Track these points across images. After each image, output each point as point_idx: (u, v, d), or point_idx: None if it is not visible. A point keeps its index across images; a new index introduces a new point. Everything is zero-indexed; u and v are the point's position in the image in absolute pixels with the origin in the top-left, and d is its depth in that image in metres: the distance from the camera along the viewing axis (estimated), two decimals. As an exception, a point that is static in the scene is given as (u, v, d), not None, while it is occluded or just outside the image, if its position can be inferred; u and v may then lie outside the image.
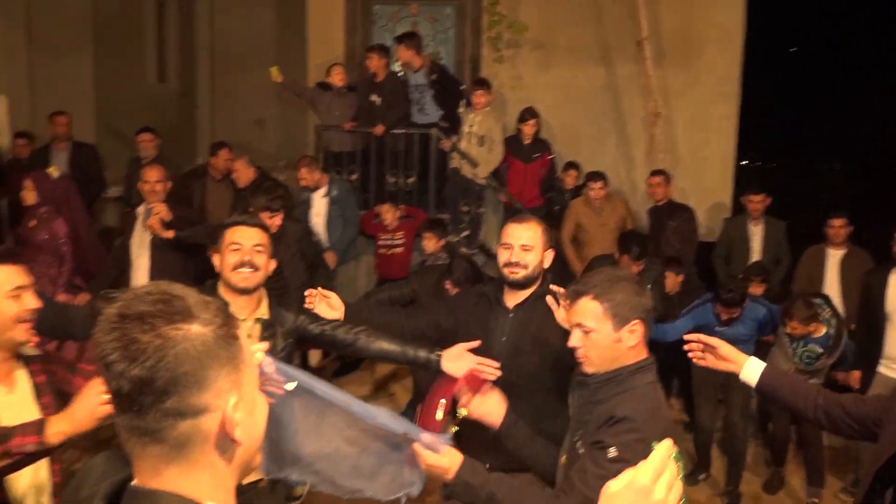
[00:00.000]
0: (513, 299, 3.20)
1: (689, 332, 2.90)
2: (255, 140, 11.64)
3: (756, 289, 6.31)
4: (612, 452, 2.20)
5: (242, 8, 11.55)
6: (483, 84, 7.73)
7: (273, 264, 3.09)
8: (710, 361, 2.77)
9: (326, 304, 3.15)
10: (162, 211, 5.38)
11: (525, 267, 3.12)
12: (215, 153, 7.60)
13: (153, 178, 5.59)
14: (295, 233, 5.78)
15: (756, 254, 7.12)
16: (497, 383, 2.92)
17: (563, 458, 2.53)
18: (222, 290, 3.02)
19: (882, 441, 2.52)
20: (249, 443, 1.21)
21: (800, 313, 5.07)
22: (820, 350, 5.19)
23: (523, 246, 3.13)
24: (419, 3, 8.96)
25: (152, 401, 1.11)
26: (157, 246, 5.50)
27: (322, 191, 7.21)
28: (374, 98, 7.83)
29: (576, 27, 8.38)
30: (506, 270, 3.14)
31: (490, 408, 2.68)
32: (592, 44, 8.35)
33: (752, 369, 2.74)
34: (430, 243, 6.60)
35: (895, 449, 2.44)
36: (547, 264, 3.21)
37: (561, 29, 8.42)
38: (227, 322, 1.18)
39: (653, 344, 2.55)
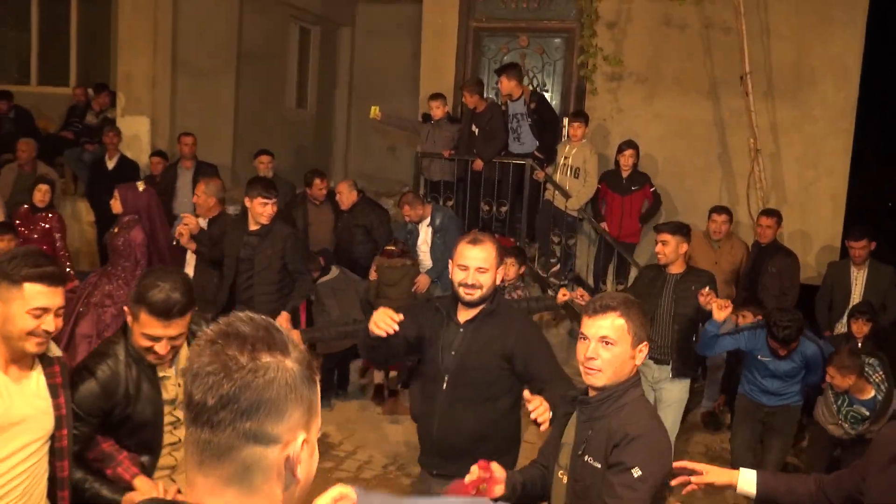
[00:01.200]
0: (464, 315, 3.33)
1: (730, 349, 2.89)
2: (388, 166, 12.15)
3: (861, 328, 6.00)
4: (637, 472, 2.39)
5: (382, 39, 12.07)
6: (580, 116, 7.78)
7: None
8: (701, 480, 2.72)
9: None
10: (191, 223, 5.87)
11: (480, 288, 3.25)
12: (310, 183, 7.94)
13: (200, 191, 6.20)
14: (282, 232, 5.82)
15: (857, 299, 6.74)
16: (447, 396, 3.23)
17: (562, 475, 2.65)
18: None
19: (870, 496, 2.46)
20: (304, 484, 1.25)
21: (839, 361, 4.79)
22: (866, 413, 4.89)
23: (479, 268, 3.24)
24: (529, 35, 9.10)
25: (232, 418, 1.15)
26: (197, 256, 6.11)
27: (426, 221, 7.47)
28: (474, 128, 8.04)
29: (683, 60, 8.27)
30: (461, 290, 3.26)
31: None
32: (700, 76, 8.20)
33: (747, 481, 2.73)
34: (511, 270, 6.69)
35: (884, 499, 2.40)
36: (499, 281, 3.35)
37: (667, 61, 8.32)
38: (311, 366, 1.24)
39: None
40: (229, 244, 5.77)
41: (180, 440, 2.92)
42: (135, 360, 2.76)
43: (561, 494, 2.66)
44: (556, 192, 7.68)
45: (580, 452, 2.55)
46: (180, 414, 2.83)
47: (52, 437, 2.56)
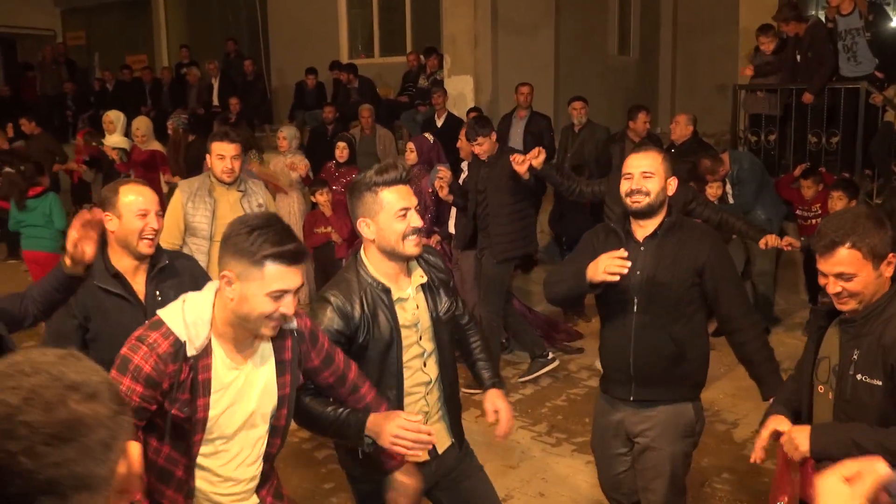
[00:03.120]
0: (642, 231, 3.14)
1: None
2: (717, 105, 11.59)
3: None
4: None
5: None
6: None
7: None
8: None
9: None
10: (445, 175, 6.26)
11: (647, 194, 3.06)
12: (634, 117, 7.83)
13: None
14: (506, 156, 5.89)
15: None
16: (639, 319, 3.10)
17: (821, 389, 2.60)
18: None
19: None
20: None
21: None
22: None
23: (644, 173, 3.06)
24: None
25: None
26: None
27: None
28: (797, 56, 7.39)
29: None
30: (628, 200, 3.09)
31: None
32: None
33: None
34: (839, 203, 6.10)
35: None
36: (671, 192, 3.09)
37: None
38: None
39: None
40: (471, 181, 6.11)
41: (432, 380, 2.78)
42: (369, 285, 2.64)
43: (824, 408, 2.56)
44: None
45: (851, 372, 2.45)
46: (428, 344, 2.76)
47: (271, 416, 2.36)
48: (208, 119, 11.40)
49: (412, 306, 2.71)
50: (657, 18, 12.83)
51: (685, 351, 3.13)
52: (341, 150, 7.68)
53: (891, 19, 7.27)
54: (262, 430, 2.33)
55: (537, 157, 5.37)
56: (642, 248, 3.12)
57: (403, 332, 2.67)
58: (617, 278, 2.87)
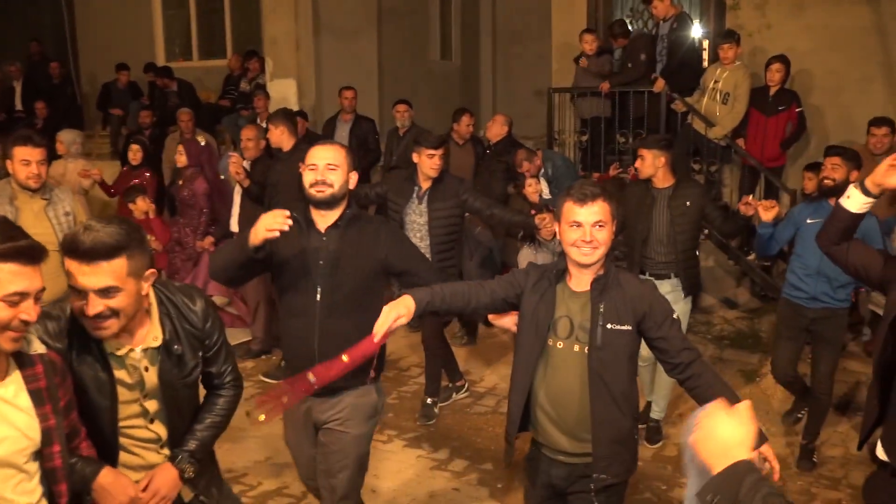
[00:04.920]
0: (324, 221, 3.22)
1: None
2: (536, 110, 12.04)
3: None
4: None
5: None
6: (731, 36, 7.32)
7: None
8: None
9: None
10: (236, 161, 6.23)
11: (331, 185, 3.15)
12: (457, 119, 8.02)
13: (245, 136, 6.57)
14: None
15: None
16: (322, 307, 3.10)
17: (560, 345, 2.85)
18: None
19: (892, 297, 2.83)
20: None
21: None
22: None
23: (328, 165, 3.16)
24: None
25: None
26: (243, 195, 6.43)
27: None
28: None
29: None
30: (312, 190, 3.17)
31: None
32: (854, -20, 7.53)
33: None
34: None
35: None
36: (352, 186, 3.25)
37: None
38: None
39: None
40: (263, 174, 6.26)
41: (162, 439, 2.47)
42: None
43: (565, 360, 2.78)
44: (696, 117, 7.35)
45: (600, 323, 2.72)
46: (152, 405, 2.43)
47: (41, 456, 2.06)
48: (10, 125, 10.66)
49: (137, 367, 2.38)
50: (477, 26, 13.19)
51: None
52: (134, 153, 7.71)
53: (690, 27, 7.79)
54: (22, 476, 2.02)
55: None
56: (324, 238, 3.18)
57: (121, 391, 2.37)
58: (277, 234, 2.90)
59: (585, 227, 2.71)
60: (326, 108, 9.83)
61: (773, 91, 7.21)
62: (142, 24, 12.22)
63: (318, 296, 3.13)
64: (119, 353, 2.34)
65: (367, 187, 5.79)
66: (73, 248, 2.14)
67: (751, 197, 5.04)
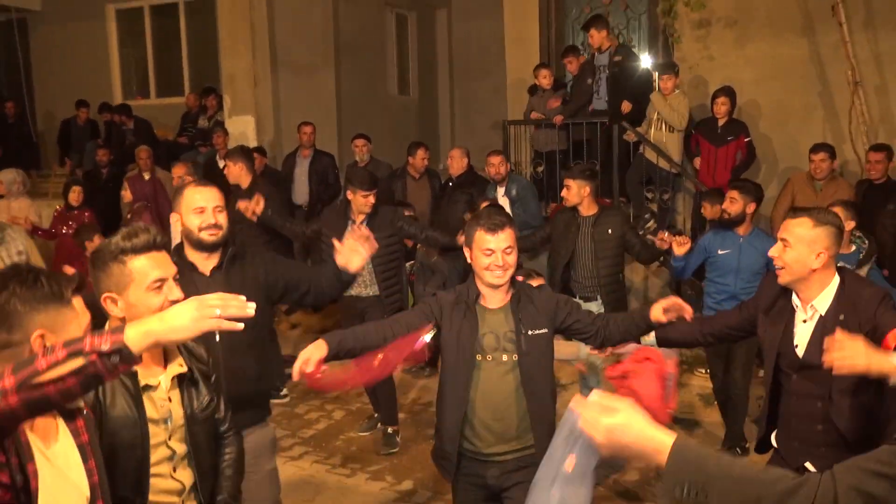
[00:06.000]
0: (207, 263, 3.27)
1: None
2: (494, 142, 12.21)
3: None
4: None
5: (479, 17, 12.04)
6: (671, 68, 7.58)
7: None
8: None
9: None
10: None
11: (221, 227, 3.23)
12: (413, 153, 8.14)
13: (176, 174, 6.95)
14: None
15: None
16: (221, 344, 3.07)
17: (490, 358, 3.12)
18: None
19: (767, 335, 3.12)
20: None
21: None
22: None
23: (216, 208, 3.23)
24: (611, -9, 8.97)
25: None
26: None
27: (502, 189, 7.42)
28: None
29: (773, -2, 7.90)
30: (204, 234, 3.21)
31: None
32: (793, 13, 7.81)
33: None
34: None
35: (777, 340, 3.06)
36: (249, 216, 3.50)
37: (758, 1, 7.98)
38: None
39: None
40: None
41: (185, 489, 2.41)
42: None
43: (504, 372, 3.05)
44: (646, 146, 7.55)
45: (523, 331, 3.04)
46: (179, 446, 2.39)
47: None
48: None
49: (163, 398, 2.36)
50: (434, 61, 13.36)
51: (269, 371, 3.44)
52: (77, 195, 7.73)
53: (635, 59, 8.03)
54: None
55: (257, 205, 5.88)
56: (210, 280, 3.19)
57: (151, 429, 2.32)
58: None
59: (497, 253, 3.01)
60: (286, 144, 9.91)
61: (721, 122, 7.44)
62: (98, 63, 12.24)
63: (217, 337, 2.96)
64: (152, 382, 2.32)
65: (301, 224, 5.90)
66: None
67: (666, 234, 5.54)
